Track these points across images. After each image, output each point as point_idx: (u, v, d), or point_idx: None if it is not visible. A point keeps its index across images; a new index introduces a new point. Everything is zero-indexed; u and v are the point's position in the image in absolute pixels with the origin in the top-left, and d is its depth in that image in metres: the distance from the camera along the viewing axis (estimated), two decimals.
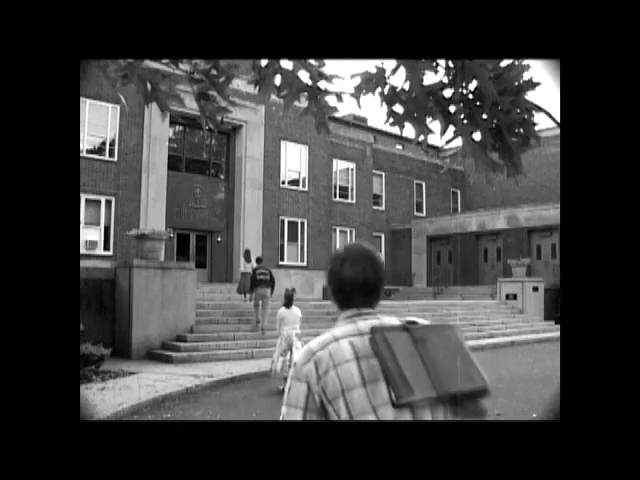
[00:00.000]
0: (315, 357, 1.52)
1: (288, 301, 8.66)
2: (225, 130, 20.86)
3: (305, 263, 22.63)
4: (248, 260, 15.29)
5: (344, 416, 1.52)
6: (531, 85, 2.13)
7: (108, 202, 17.87)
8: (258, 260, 14.13)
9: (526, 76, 2.12)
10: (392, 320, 1.64)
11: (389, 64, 2.12)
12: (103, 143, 17.97)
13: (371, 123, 33.28)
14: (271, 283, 13.02)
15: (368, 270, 1.64)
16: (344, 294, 1.65)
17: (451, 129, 2.19)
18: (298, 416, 1.57)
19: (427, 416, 1.55)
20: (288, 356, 8.24)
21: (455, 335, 1.62)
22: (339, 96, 2.26)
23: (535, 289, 19.92)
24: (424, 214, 29.78)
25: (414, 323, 1.60)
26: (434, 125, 2.43)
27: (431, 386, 1.49)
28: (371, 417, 1.51)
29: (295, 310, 8.62)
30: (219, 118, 2.43)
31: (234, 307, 14.37)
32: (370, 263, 1.65)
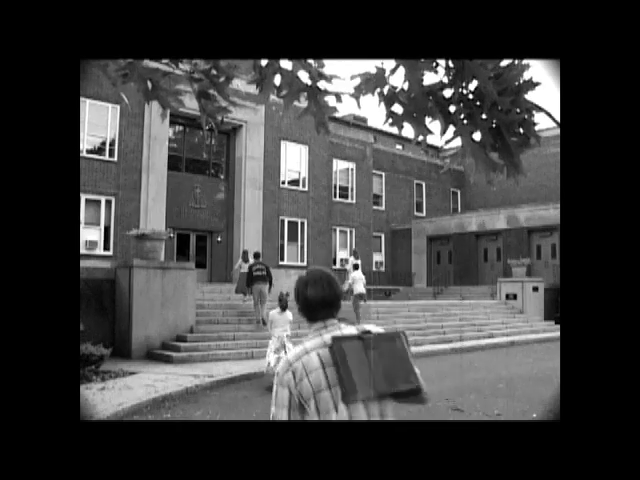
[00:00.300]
0: (292, 368, 1.93)
1: (284, 305, 9.00)
2: (225, 130, 20.86)
3: (305, 263, 22.62)
4: (246, 260, 15.28)
5: (313, 412, 1.90)
6: (531, 85, 2.12)
7: (108, 202, 17.86)
8: (256, 256, 14.08)
9: (526, 76, 2.12)
10: (351, 330, 2.01)
11: (389, 64, 2.12)
12: (103, 143, 17.97)
13: (371, 123, 33.29)
14: (268, 278, 13.19)
15: (326, 289, 2.05)
16: (309, 309, 2.05)
17: (451, 129, 2.19)
18: (284, 413, 1.93)
19: (375, 409, 1.93)
20: (282, 354, 8.58)
21: (401, 343, 1.98)
22: (338, 96, 2.25)
23: (535, 289, 19.92)
24: (424, 214, 29.78)
25: (368, 332, 1.97)
26: (434, 125, 2.43)
27: (374, 386, 1.87)
28: (333, 413, 1.89)
29: (287, 314, 8.99)
30: (219, 118, 2.43)
31: (234, 307, 14.36)
32: (327, 283, 2.07)
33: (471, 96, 2.15)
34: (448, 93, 2.16)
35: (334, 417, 1.87)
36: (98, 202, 17.67)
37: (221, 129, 20.24)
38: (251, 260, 14.48)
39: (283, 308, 8.99)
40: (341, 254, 24.88)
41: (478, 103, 2.14)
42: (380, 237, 28.19)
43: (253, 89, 2.32)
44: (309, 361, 1.92)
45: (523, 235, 24.17)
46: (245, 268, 14.75)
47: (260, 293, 13.07)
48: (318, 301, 2.03)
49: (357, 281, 14.86)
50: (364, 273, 15.95)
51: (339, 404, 1.87)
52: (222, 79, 2.29)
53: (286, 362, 1.97)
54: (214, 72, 2.28)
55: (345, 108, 39.58)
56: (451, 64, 2.09)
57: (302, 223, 22.74)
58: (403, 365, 1.94)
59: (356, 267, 15.56)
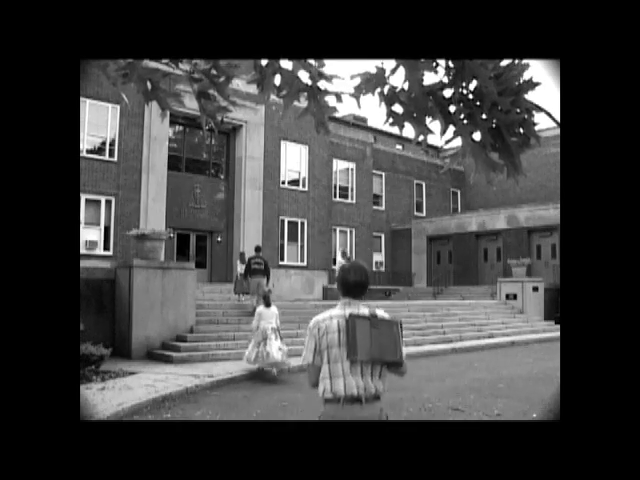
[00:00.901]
0: (319, 325, 2.81)
1: (267, 302, 9.94)
2: (225, 130, 20.86)
3: (305, 263, 22.62)
4: (243, 262, 15.53)
5: (325, 360, 2.74)
6: (531, 85, 2.12)
7: (108, 202, 17.86)
8: (257, 249, 14.58)
9: (526, 76, 2.12)
10: (364, 310, 2.79)
11: (389, 64, 2.11)
12: (103, 143, 17.97)
13: (371, 123, 33.27)
14: (266, 272, 13.91)
15: (362, 276, 2.89)
16: (346, 289, 2.88)
17: (451, 129, 2.19)
18: (310, 355, 2.80)
19: (369, 368, 2.69)
20: (261, 347, 9.44)
21: (397, 328, 2.78)
22: (339, 96, 2.25)
23: (535, 289, 19.90)
24: (424, 214, 29.77)
25: (375, 316, 2.76)
26: (434, 125, 2.43)
27: (369, 353, 2.66)
28: (339, 364, 2.70)
29: (273, 308, 9.90)
30: (219, 118, 2.43)
31: (234, 307, 14.37)
32: (364, 273, 2.91)
33: (471, 96, 2.15)
34: (448, 93, 2.16)
35: (339, 365, 2.70)
36: (98, 202, 17.67)
37: (221, 129, 20.24)
38: (253, 253, 14.82)
39: (267, 305, 9.86)
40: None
41: (478, 103, 2.14)
42: (380, 237, 28.18)
43: (253, 89, 2.32)
44: (330, 325, 2.77)
45: (523, 235, 24.16)
46: (242, 269, 15.12)
47: (258, 285, 13.54)
48: (356, 283, 2.86)
49: None
50: None
51: (345, 360, 2.68)
52: (222, 79, 2.29)
53: (316, 321, 2.85)
54: (214, 72, 2.28)
55: (345, 108, 39.59)
56: (451, 64, 2.09)
57: (302, 223, 22.74)
58: (393, 344, 2.73)
59: (349, 259, 16.23)
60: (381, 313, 2.82)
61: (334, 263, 24.13)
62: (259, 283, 13.58)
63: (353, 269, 2.90)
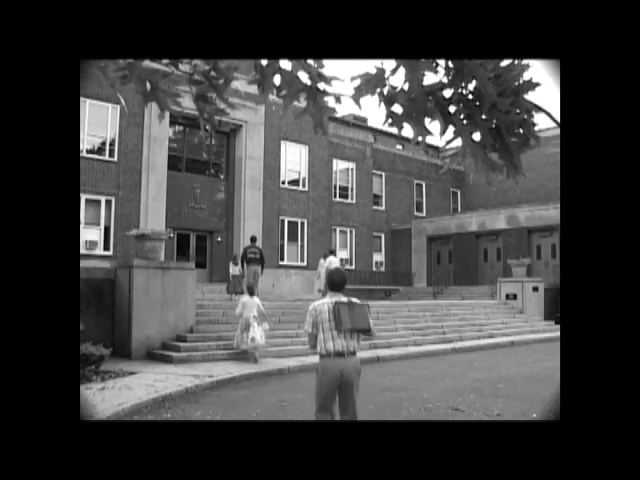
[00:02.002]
0: (315, 308, 4.45)
1: (251, 291, 11.20)
2: (225, 130, 20.86)
3: (305, 263, 22.62)
4: (236, 264, 15.88)
5: (320, 330, 4.34)
6: (531, 85, 2.12)
7: (108, 202, 17.86)
8: (252, 239, 15.45)
9: (526, 76, 2.12)
10: (344, 299, 4.37)
11: (389, 64, 2.11)
12: (103, 143, 17.97)
13: (371, 123, 33.26)
14: (261, 261, 14.83)
15: (343, 278, 4.53)
16: (332, 285, 4.50)
17: (451, 129, 2.19)
18: (310, 327, 4.40)
19: (349, 334, 4.27)
20: (244, 333, 10.79)
21: (366, 308, 4.41)
22: (338, 98, 2.25)
23: (535, 289, 19.89)
24: (424, 214, 29.76)
25: (351, 301, 4.37)
26: (434, 126, 2.43)
27: (349, 324, 4.24)
28: (329, 332, 4.29)
29: (255, 299, 11.08)
30: (217, 120, 2.43)
31: (234, 307, 14.35)
32: (344, 276, 4.55)
33: (471, 96, 2.15)
34: (448, 93, 2.16)
35: (329, 334, 4.25)
36: (98, 202, 17.67)
37: (220, 129, 20.24)
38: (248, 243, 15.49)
39: (251, 294, 11.05)
40: (341, 254, 24.90)
41: (478, 103, 2.14)
42: (380, 237, 28.18)
43: (253, 89, 2.32)
44: (323, 308, 4.36)
45: (523, 235, 24.16)
46: (235, 271, 15.72)
47: (254, 274, 14.36)
48: (339, 282, 4.49)
49: (333, 264, 15.54)
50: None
51: (333, 330, 4.25)
52: (221, 81, 2.29)
53: (313, 306, 4.43)
54: (213, 74, 2.28)
55: (345, 108, 39.59)
56: (451, 64, 2.09)
57: (302, 223, 22.74)
58: (364, 318, 4.32)
59: (332, 252, 17.61)
60: (355, 300, 4.42)
61: None
62: (255, 272, 14.32)
63: (337, 273, 4.55)
